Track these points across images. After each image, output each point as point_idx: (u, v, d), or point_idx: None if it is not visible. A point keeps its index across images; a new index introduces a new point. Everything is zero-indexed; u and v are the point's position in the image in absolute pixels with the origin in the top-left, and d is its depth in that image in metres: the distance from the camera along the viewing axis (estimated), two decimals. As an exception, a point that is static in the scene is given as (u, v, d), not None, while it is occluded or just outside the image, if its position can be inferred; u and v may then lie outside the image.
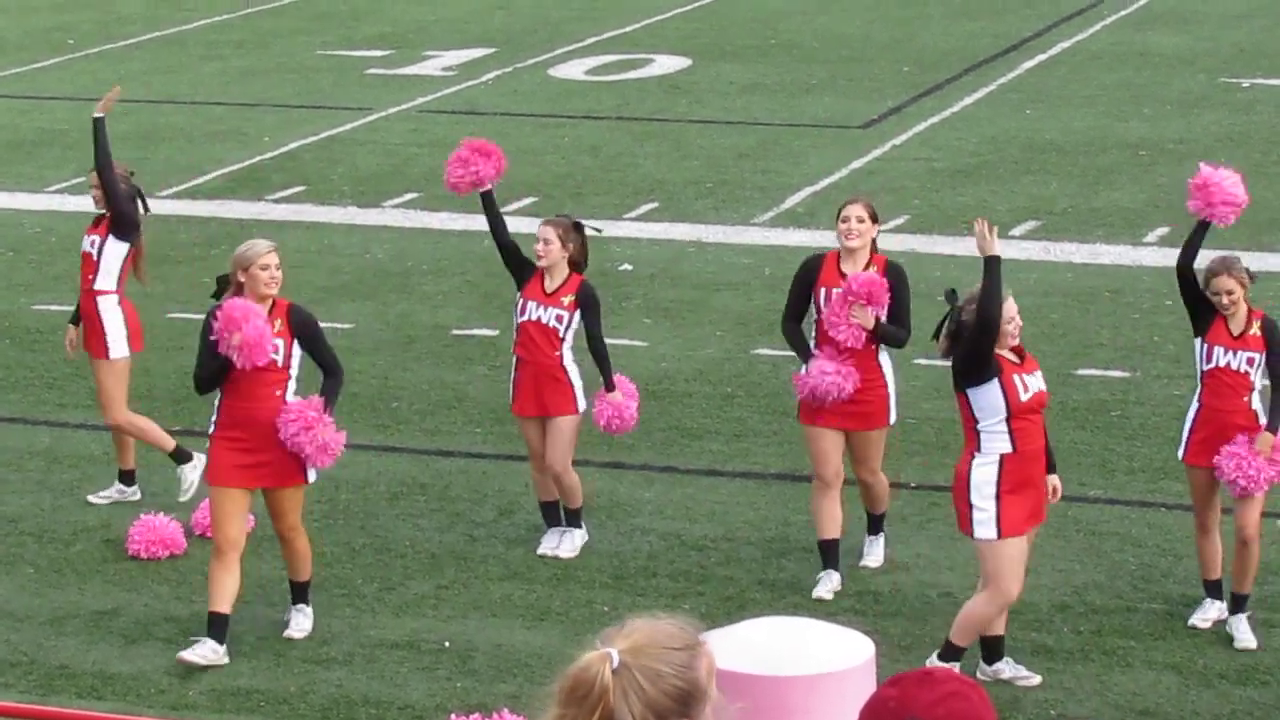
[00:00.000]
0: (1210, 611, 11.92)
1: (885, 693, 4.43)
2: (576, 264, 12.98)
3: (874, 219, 12.64)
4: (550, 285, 12.86)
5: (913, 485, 13.72)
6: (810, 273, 12.45)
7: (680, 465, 14.54)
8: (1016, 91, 25.49)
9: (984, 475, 11.11)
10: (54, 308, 17.87)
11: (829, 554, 12.55)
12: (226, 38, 30.02)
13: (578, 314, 12.87)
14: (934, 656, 11.17)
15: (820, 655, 8.42)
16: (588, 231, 13.10)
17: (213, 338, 11.25)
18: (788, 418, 15.16)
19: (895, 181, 20.88)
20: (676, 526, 13.52)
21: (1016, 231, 19.28)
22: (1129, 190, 20.64)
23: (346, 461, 14.41)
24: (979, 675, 11.04)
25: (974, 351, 11.10)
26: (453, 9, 31.61)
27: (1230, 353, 11.72)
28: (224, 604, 11.51)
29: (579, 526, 13.14)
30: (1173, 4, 30.43)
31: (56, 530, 13.65)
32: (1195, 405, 11.97)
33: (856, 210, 12.58)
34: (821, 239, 18.94)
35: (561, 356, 12.88)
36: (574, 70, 27.25)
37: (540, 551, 12.98)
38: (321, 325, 12.01)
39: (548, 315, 12.83)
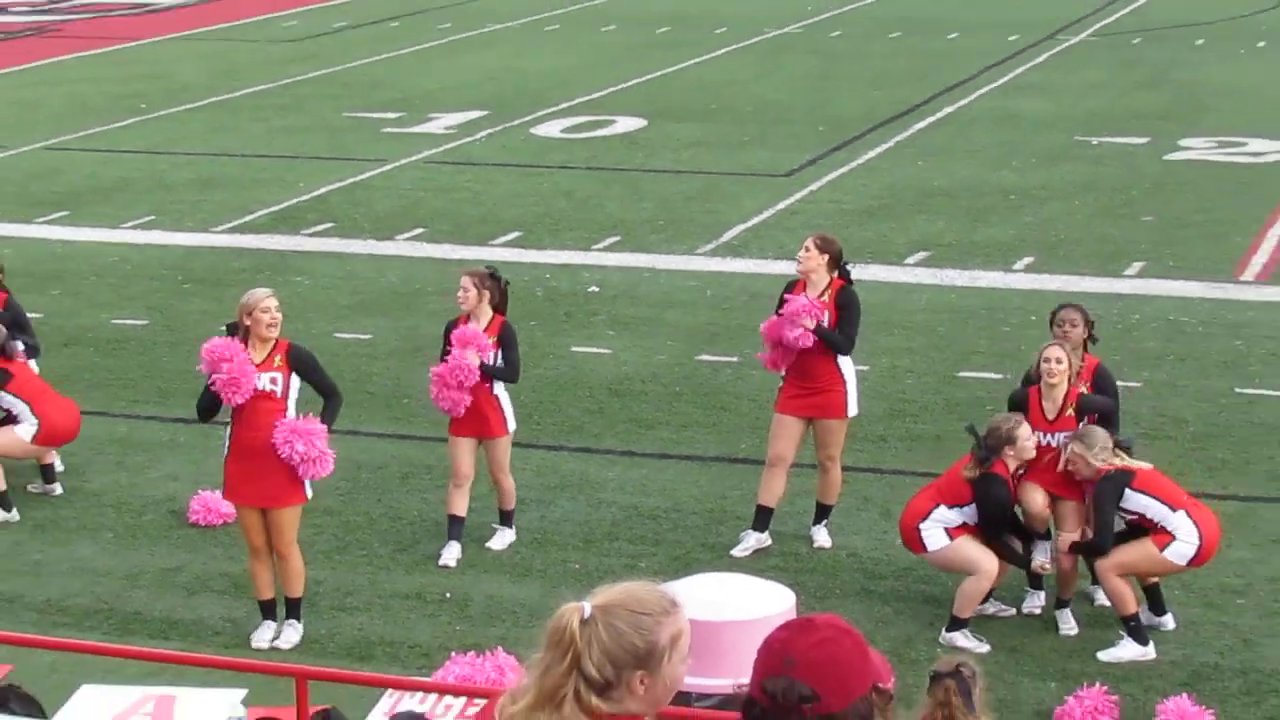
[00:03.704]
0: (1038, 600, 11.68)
1: (775, 635, 4.45)
2: (498, 307, 12.45)
3: (822, 249, 12.17)
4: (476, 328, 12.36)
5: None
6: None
7: (637, 450, 14.53)
8: (910, 147, 25.55)
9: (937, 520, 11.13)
10: (128, 322, 17.87)
11: (760, 517, 12.50)
12: (269, 102, 30.01)
13: (499, 351, 12.36)
14: (944, 631, 11.13)
15: (751, 604, 8.45)
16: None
17: (199, 369, 11.01)
18: (725, 411, 15.24)
19: (813, 220, 20.78)
20: (634, 500, 13.52)
21: (910, 260, 19.35)
22: (1002, 227, 20.69)
23: (366, 447, 14.48)
24: (940, 640, 11.09)
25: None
26: (453, 79, 31.63)
27: (1050, 433, 11.32)
28: (268, 591, 11.44)
29: (511, 526, 12.79)
30: (1037, 77, 30.53)
31: (131, 503, 13.65)
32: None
33: (806, 241, 12.39)
34: (754, 266, 19.05)
35: (491, 387, 12.41)
36: (552, 129, 27.25)
37: (442, 561, 12.49)
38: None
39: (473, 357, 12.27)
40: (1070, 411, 11.32)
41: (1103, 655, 10.98)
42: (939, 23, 36.79)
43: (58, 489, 13.93)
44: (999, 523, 11.11)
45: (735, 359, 16.34)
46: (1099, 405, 11.50)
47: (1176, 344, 16.81)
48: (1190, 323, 17.44)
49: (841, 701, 4.31)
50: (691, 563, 11.75)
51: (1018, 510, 11.37)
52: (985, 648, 10.78)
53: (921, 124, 27.22)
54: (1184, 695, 10.29)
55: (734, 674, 5.59)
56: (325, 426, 11.15)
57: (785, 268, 12.99)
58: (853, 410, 12.41)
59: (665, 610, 4.50)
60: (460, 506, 12.60)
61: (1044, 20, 36.95)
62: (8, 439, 13.37)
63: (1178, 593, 11.84)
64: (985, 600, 11.48)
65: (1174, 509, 10.88)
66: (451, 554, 12.56)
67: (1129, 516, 10.97)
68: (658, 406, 15.51)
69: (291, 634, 11.36)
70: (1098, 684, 10.43)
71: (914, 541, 11.21)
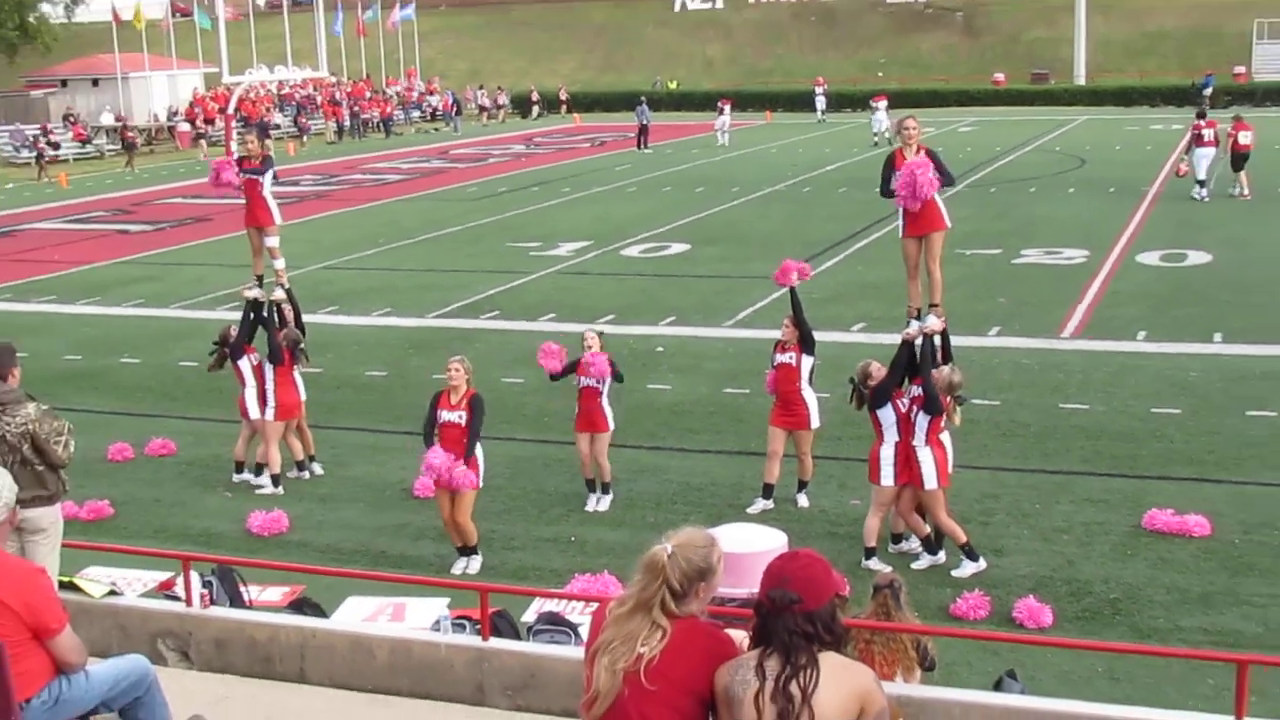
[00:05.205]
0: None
1: (775, 563, 4.49)
2: (603, 349, 12.61)
3: (794, 326, 12.32)
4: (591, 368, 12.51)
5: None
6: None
7: (688, 448, 14.55)
8: (854, 258, 25.52)
9: (887, 453, 10.96)
10: (375, 373, 18.00)
11: (765, 490, 12.52)
12: (460, 237, 30.24)
13: (610, 377, 12.52)
14: (862, 556, 11.05)
15: (759, 542, 8.39)
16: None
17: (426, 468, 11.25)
18: (742, 423, 15.24)
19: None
20: (686, 479, 13.52)
21: (854, 328, 19.30)
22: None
23: (520, 447, 14.54)
24: (860, 564, 10.98)
25: (882, 391, 11.07)
26: (572, 222, 31.79)
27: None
28: (459, 541, 11.47)
29: (609, 494, 12.78)
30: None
31: (377, 484, 13.75)
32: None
33: (785, 320, 12.46)
34: (757, 334, 19.02)
35: (602, 402, 12.50)
36: (633, 251, 27.36)
37: (588, 508, 12.70)
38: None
39: (592, 381, 12.50)
40: (922, 155, 11.11)
41: (954, 572, 10.93)
42: (871, 181, 36.58)
43: (306, 475, 14.01)
44: (888, 388, 11.00)
45: (748, 391, 16.32)
46: (939, 157, 11.28)
47: (1021, 377, 16.71)
48: (1029, 364, 17.34)
49: (817, 603, 4.34)
50: (722, 517, 11.72)
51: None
52: (888, 568, 10.72)
53: (861, 243, 27.13)
54: (1031, 596, 10.24)
55: (749, 585, 5.57)
56: (470, 472, 11.13)
57: (774, 333, 13.06)
58: (815, 424, 12.45)
59: (711, 544, 4.58)
60: (589, 473, 12.78)
61: (936, 179, 36.91)
62: (270, 427, 13.51)
63: (1026, 532, 11.76)
64: (898, 541, 11.45)
65: (926, 444, 10.82)
66: (590, 504, 12.71)
67: (912, 403, 10.94)
68: (700, 421, 15.51)
69: (475, 565, 11.40)
70: (976, 590, 10.38)
71: (875, 473, 11.09)
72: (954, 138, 50.07)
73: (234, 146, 14.31)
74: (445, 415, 11.23)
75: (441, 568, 11.40)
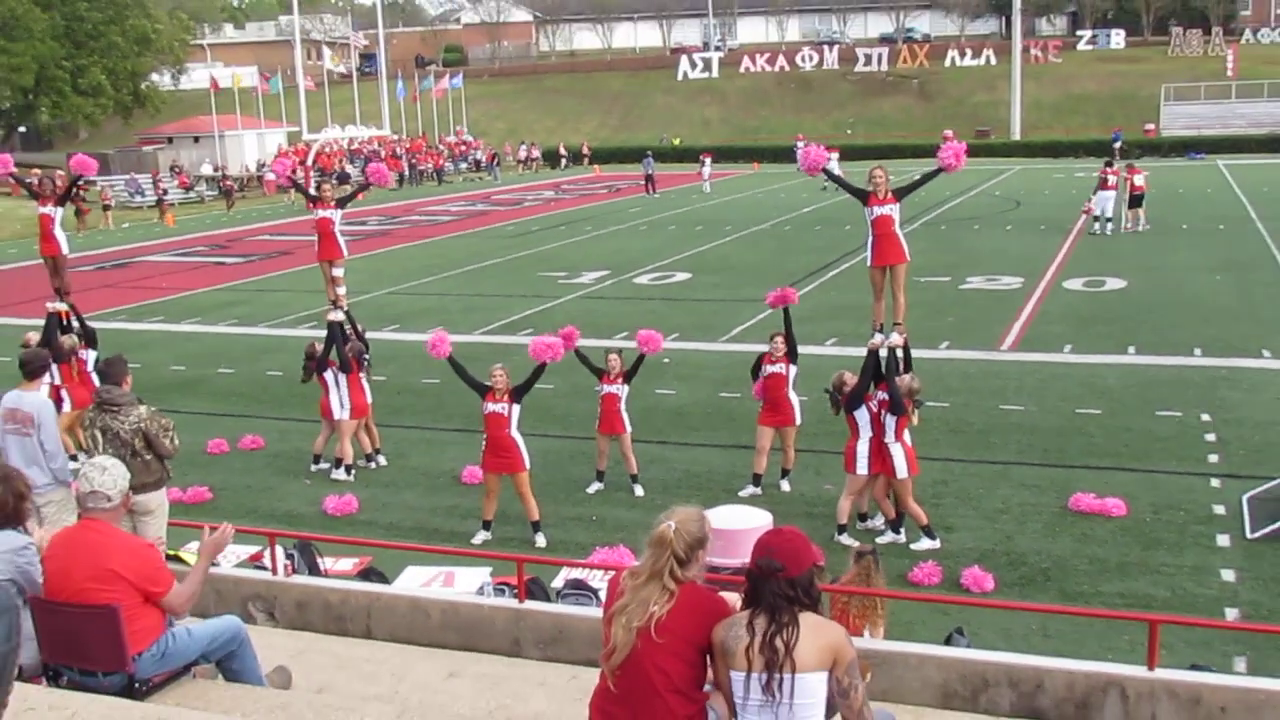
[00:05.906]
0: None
1: (762, 537, 4.51)
2: (624, 366, 12.59)
3: (784, 341, 12.32)
4: (612, 375, 12.53)
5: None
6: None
7: (691, 441, 14.50)
8: (828, 284, 25.43)
9: (862, 448, 10.93)
10: (429, 381, 17.97)
11: (755, 478, 12.47)
12: (500, 267, 30.24)
13: (626, 385, 12.53)
14: (835, 532, 11.00)
15: (749, 520, 8.38)
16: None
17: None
18: (734, 421, 15.19)
19: (775, 324, 20.81)
20: (688, 468, 13.48)
21: (828, 343, 19.26)
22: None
23: (551, 442, 14.45)
24: (836, 538, 10.95)
25: (855, 395, 11.04)
26: (593, 254, 31.78)
27: (881, 206, 10.87)
28: (489, 515, 11.44)
29: (638, 483, 12.68)
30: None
31: (432, 471, 13.74)
32: (871, 236, 10.75)
33: (777, 338, 12.43)
34: (747, 347, 18.96)
35: (620, 407, 12.50)
36: (644, 279, 27.32)
37: (590, 490, 12.68)
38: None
39: (614, 389, 12.50)
40: (890, 195, 10.93)
41: (913, 546, 10.91)
42: (840, 220, 36.77)
43: (373, 465, 13.99)
44: (860, 392, 10.97)
45: (739, 395, 16.26)
46: (907, 185, 11.07)
47: (968, 383, 16.67)
48: (975, 372, 17.30)
49: (798, 571, 4.35)
50: (718, 500, 11.70)
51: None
52: (856, 543, 10.68)
53: (833, 272, 27.04)
54: (976, 566, 10.20)
55: (741, 556, 5.57)
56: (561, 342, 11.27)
57: (762, 347, 13.06)
58: (798, 421, 12.45)
59: (702, 517, 4.65)
60: (602, 465, 12.75)
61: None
62: (345, 425, 13.50)
63: (971, 512, 11.72)
64: (864, 520, 11.41)
65: (896, 440, 10.76)
66: (594, 487, 12.68)
67: (879, 406, 10.85)
68: (700, 420, 15.47)
69: (541, 539, 11.39)
70: (930, 560, 10.35)
71: (850, 464, 11.07)
72: (911, 184, 50.07)
73: (312, 191, 14.36)
74: (490, 406, 11.28)
75: (483, 546, 11.35)
